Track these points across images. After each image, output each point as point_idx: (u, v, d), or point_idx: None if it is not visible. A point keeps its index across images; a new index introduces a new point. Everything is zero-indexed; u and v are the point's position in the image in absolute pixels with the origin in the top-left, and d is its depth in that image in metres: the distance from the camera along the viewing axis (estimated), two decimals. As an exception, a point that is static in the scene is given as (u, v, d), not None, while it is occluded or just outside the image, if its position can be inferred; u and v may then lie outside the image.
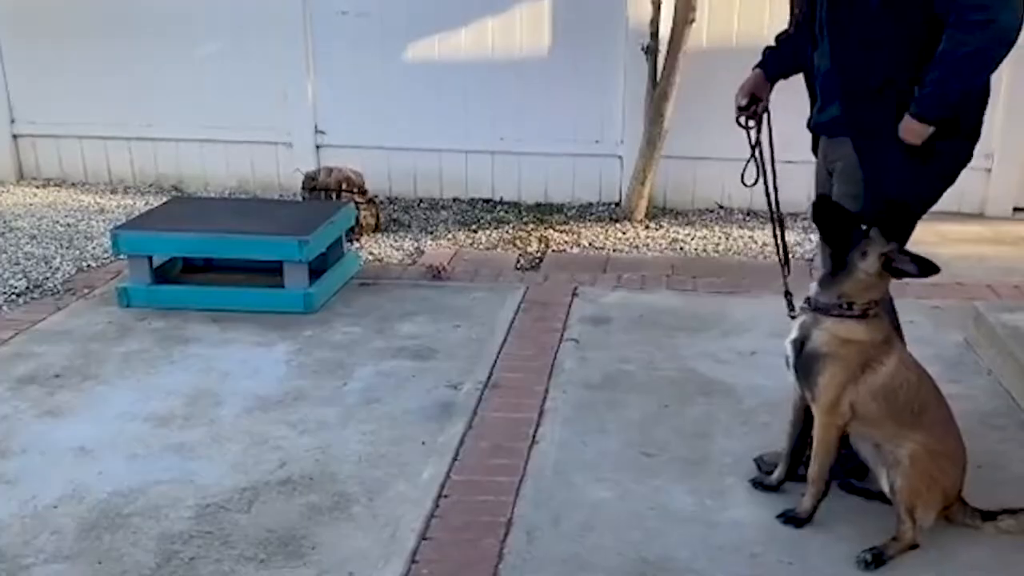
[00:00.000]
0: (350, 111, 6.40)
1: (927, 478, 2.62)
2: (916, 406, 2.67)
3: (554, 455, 3.18)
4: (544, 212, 6.17)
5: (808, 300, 2.73)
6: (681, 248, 5.51)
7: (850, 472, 2.91)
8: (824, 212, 2.73)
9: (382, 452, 3.21)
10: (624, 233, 5.74)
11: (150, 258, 4.51)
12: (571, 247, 5.53)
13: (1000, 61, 2.59)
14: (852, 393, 2.65)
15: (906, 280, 2.65)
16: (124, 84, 6.59)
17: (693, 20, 5.52)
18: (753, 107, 3.09)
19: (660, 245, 5.55)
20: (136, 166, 6.78)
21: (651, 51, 5.68)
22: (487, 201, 6.41)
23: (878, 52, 2.67)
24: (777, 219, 3.08)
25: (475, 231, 5.82)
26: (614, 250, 5.47)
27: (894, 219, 2.65)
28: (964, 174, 2.82)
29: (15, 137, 6.86)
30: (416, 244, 5.56)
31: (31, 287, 4.80)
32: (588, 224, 5.94)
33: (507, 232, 5.78)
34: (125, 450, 3.22)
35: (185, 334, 4.19)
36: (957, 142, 2.73)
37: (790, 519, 2.79)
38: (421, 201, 6.44)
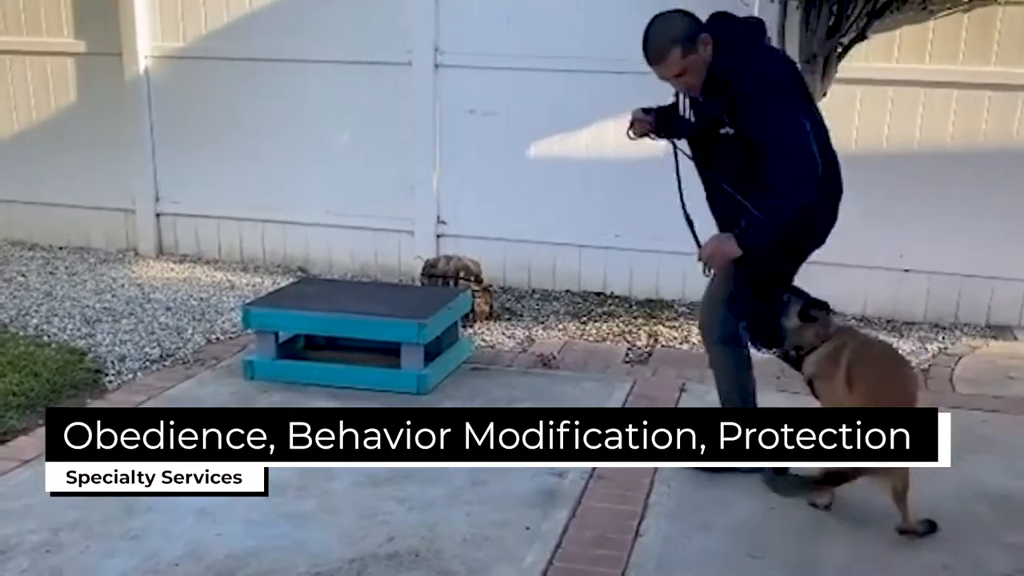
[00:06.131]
0: (471, 203, 6.64)
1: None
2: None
3: (658, 550, 3.18)
4: (654, 308, 6.22)
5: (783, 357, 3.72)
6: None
7: None
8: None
9: (486, 534, 3.26)
10: (735, 333, 5.72)
11: (276, 334, 4.74)
12: (680, 343, 5.54)
13: (792, 217, 3.33)
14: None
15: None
16: (260, 172, 7.02)
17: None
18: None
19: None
20: (267, 247, 7.17)
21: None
22: (598, 294, 6.50)
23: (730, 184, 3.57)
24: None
25: (585, 323, 5.90)
26: (724, 349, 5.45)
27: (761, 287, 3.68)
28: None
29: (158, 215, 7.34)
30: (527, 333, 5.67)
31: (164, 355, 5.08)
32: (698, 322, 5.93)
33: (616, 325, 5.84)
34: (242, 515, 3.36)
35: (304, 407, 4.36)
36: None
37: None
38: (534, 291, 6.57)
